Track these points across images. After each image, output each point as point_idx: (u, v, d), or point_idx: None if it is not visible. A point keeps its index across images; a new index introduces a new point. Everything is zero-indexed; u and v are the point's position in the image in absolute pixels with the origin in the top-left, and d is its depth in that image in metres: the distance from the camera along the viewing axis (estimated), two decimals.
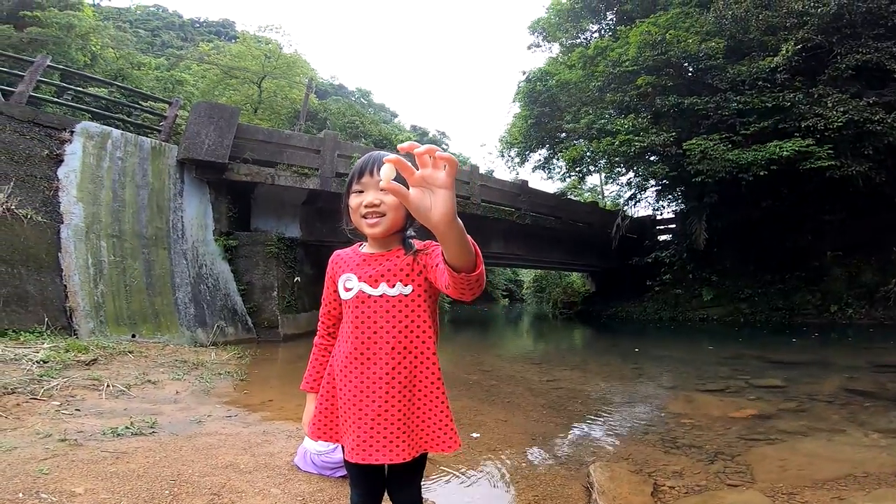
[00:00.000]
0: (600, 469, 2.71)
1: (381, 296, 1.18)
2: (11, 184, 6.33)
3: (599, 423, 3.98)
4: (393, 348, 1.15)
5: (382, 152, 1.22)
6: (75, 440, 2.69)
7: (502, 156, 21.92)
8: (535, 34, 20.73)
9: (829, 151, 11.23)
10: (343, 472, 2.48)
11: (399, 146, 0.81)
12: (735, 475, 2.67)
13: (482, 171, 15.26)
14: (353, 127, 26.10)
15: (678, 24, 13.61)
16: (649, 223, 19.34)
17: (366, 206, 1.18)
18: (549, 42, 20.79)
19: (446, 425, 1.18)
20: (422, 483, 1.31)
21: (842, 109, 11.22)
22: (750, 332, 11.95)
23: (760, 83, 12.34)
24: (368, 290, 1.19)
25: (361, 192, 1.20)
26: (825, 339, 9.96)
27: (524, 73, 19.24)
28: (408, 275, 1.18)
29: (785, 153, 11.20)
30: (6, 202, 6.05)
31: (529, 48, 21.28)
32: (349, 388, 1.18)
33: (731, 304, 14.75)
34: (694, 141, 12.21)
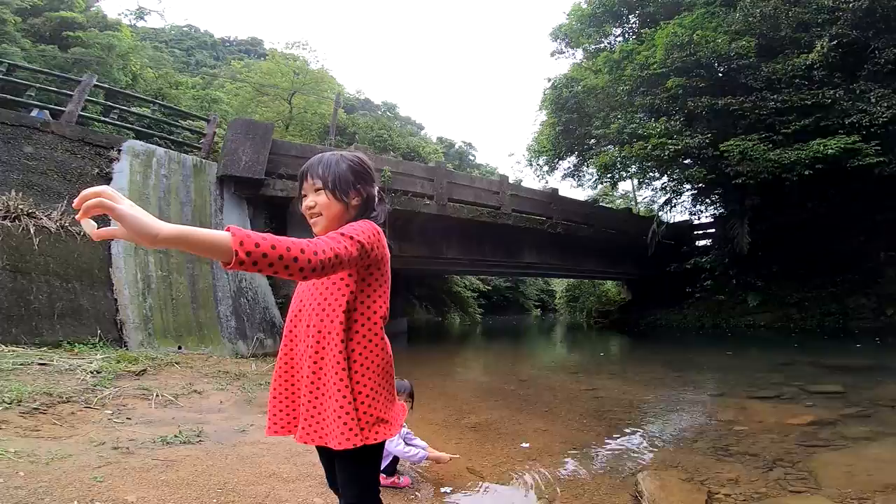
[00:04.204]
0: (649, 477, 2.61)
1: None
2: (65, 202, 6.66)
3: (643, 431, 3.84)
4: (309, 326, 1.16)
5: (320, 157, 1.24)
6: (127, 448, 2.75)
7: (530, 165, 21.68)
8: (558, 41, 20.56)
9: (877, 148, 10.73)
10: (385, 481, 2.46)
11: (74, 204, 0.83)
12: (798, 482, 2.54)
13: (511, 180, 15.19)
14: (382, 140, 26.52)
15: (705, 24, 13.31)
16: (687, 228, 18.82)
17: (305, 209, 1.22)
18: (572, 48, 20.58)
19: (339, 418, 1.08)
20: (379, 488, 1.24)
21: (885, 104, 10.78)
22: (803, 337, 11.38)
23: (797, 80, 11.91)
24: None
25: (305, 196, 1.23)
26: (885, 343, 9.39)
27: (549, 79, 19.12)
28: None
29: (830, 151, 10.75)
30: (60, 220, 6.38)
31: (553, 55, 21.08)
32: (280, 365, 1.23)
33: (779, 309, 14.11)
34: (732, 142, 11.84)
